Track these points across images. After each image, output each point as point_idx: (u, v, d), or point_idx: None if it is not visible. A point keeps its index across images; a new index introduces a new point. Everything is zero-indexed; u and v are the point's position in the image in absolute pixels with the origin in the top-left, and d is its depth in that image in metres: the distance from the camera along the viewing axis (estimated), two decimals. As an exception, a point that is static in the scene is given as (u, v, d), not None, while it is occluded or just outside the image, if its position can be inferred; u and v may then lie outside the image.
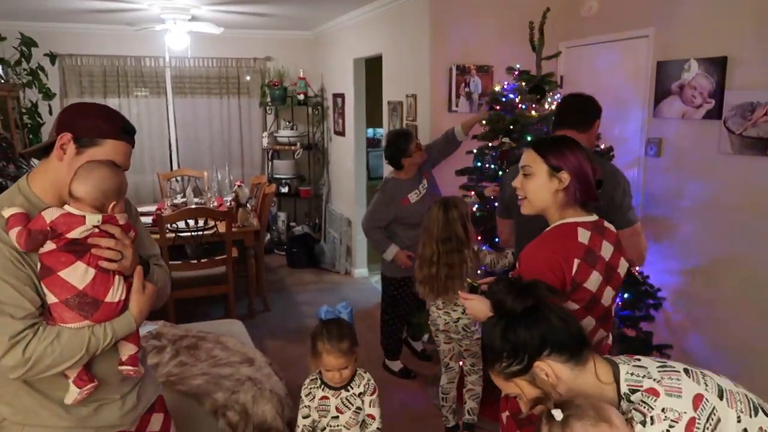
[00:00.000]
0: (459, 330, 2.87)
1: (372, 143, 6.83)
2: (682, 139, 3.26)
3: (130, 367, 1.55)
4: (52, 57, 5.18)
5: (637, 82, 3.53)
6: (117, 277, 1.46)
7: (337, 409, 2.00)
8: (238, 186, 5.01)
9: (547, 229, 1.73)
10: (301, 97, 6.37)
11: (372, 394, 2.03)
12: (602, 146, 3.21)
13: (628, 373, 1.24)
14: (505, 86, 3.35)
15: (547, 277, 1.56)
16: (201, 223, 4.48)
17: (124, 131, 1.49)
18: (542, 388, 1.27)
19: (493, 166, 3.30)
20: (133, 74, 6.09)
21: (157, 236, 4.00)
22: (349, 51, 5.58)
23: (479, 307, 1.79)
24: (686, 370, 1.22)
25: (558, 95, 3.28)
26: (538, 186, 1.71)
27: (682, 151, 3.26)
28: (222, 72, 6.40)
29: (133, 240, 1.51)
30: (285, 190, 6.54)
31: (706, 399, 1.16)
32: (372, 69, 5.51)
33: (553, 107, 3.20)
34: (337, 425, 2.00)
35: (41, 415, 1.48)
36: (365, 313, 4.86)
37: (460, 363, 3.04)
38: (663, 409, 1.14)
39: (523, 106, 3.20)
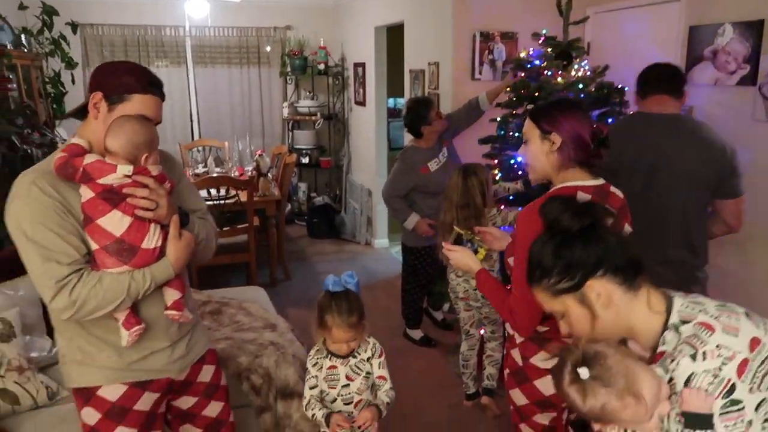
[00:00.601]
0: (478, 297, 2.86)
1: (393, 113, 6.76)
2: (714, 107, 3.16)
3: (175, 312, 1.64)
4: (74, 26, 5.17)
5: (668, 49, 3.41)
6: (153, 225, 1.54)
7: (347, 377, 1.99)
8: (260, 155, 5.02)
9: (548, 191, 1.74)
10: (322, 66, 6.31)
11: (380, 357, 2.02)
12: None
13: (682, 305, 1.19)
14: (531, 52, 3.27)
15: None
16: (223, 192, 4.50)
17: (151, 84, 1.55)
18: (589, 309, 1.22)
19: (517, 135, 3.24)
20: (154, 44, 6.08)
21: (180, 204, 4.03)
22: (370, 19, 5.49)
23: (463, 259, 1.88)
24: (747, 314, 1.16)
25: (585, 62, 3.20)
26: (534, 151, 1.73)
27: (713, 118, 3.15)
28: (242, 41, 6.36)
29: (170, 191, 1.58)
30: (305, 160, 6.53)
31: (764, 344, 1.11)
32: (393, 37, 5.43)
33: (580, 74, 3.13)
34: (349, 393, 2.00)
35: (96, 357, 1.60)
36: (386, 283, 4.88)
37: (481, 330, 3.04)
38: (717, 346, 1.08)
39: (549, 73, 3.13)
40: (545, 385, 1.74)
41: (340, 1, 6.38)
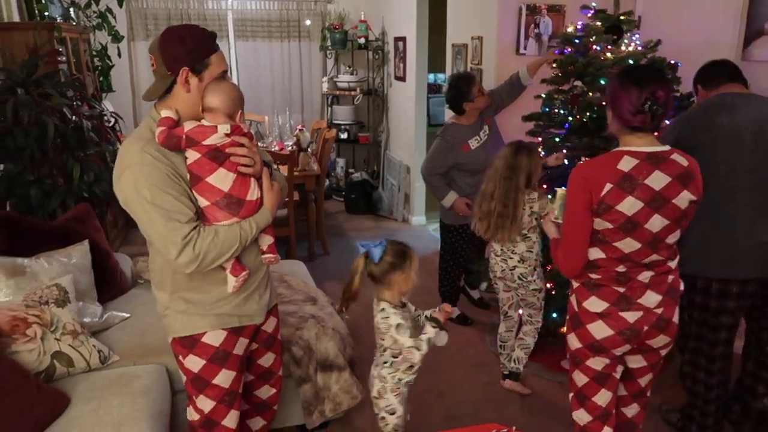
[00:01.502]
0: (515, 279, 2.83)
1: (433, 89, 6.68)
2: (771, 84, 3.01)
3: (271, 255, 1.84)
4: (120, 0, 5.26)
5: (725, 23, 3.26)
6: (252, 179, 1.72)
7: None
8: (300, 130, 5.04)
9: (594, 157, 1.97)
10: (362, 40, 6.26)
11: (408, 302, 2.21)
12: (680, 92, 3.02)
13: None
14: (579, 26, 3.16)
15: (577, 194, 1.84)
16: (263, 166, 4.54)
17: (214, 39, 1.70)
18: None
19: (562, 112, 3.17)
20: (196, 17, 6.11)
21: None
22: (412, -8, 5.40)
23: (548, 227, 2.10)
24: None
25: (636, 36, 3.08)
26: (608, 119, 1.94)
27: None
28: (283, 15, 6.35)
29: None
30: (344, 136, 6.53)
31: None
32: (435, 11, 5.33)
33: (630, 49, 3.02)
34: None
35: (200, 306, 1.76)
36: (423, 260, 4.82)
37: (520, 312, 3.02)
38: None
39: (598, 48, 3.03)
40: (596, 329, 1.90)
41: (381, -27, 6.28)
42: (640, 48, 3.03)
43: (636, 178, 1.78)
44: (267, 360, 2.04)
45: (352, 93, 6.40)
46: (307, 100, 6.70)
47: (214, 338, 1.78)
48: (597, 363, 1.94)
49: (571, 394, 2.07)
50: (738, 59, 3.16)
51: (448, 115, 3.71)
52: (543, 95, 3.27)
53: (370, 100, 6.66)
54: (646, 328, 1.87)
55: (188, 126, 1.62)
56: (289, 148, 5.07)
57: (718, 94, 2.40)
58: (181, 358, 1.82)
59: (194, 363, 1.79)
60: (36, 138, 3.14)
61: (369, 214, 6.24)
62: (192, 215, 1.63)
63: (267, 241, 1.83)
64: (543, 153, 3.17)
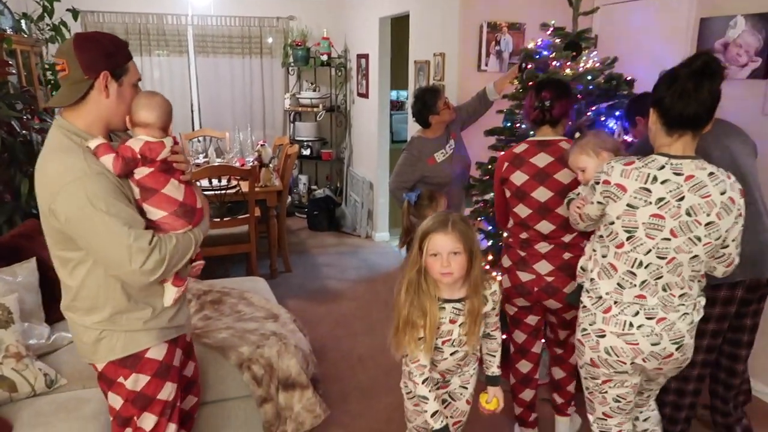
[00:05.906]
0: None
1: (395, 106, 6.71)
2: (723, 100, 3.11)
3: (200, 261, 1.87)
4: (75, 13, 5.10)
5: (677, 41, 3.38)
6: (193, 187, 1.74)
7: None
8: (261, 145, 4.96)
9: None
10: (324, 57, 6.25)
11: None
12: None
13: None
14: (539, 43, 3.22)
15: (495, 172, 2.50)
16: (224, 181, 4.46)
17: (127, 46, 1.67)
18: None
19: (524, 126, 3.20)
20: (155, 32, 6.01)
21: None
22: (374, 10, 5.44)
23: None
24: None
25: (594, 53, 3.15)
26: None
27: (721, 112, 3.11)
28: (245, 31, 6.30)
29: None
30: (307, 152, 6.48)
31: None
32: (397, 29, 5.37)
33: (588, 65, 3.09)
34: None
35: (142, 321, 1.70)
36: (386, 276, 4.84)
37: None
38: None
39: (557, 64, 3.08)
40: (504, 280, 2.44)
41: (343, -9, 6.32)
42: (598, 64, 3.10)
43: (523, 158, 2.36)
44: (189, 369, 2.02)
45: (315, 109, 6.37)
46: (269, 117, 6.63)
47: (158, 352, 1.74)
48: (510, 309, 2.50)
49: None
50: (690, 76, 3.26)
51: (412, 130, 3.70)
52: (504, 110, 3.30)
53: (332, 116, 6.64)
54: (536, 289, 2.35)
55: (136, 144, 1.59)
56: (251, 163, 4.99)
57: None
58: (121, 380, 1.71)
59: (137, 382, 1.72)
60: (-19, 151, 3.00)
61: (332, 231, 6.18)
62: (144, 223, 1.60)
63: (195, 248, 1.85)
64: None
